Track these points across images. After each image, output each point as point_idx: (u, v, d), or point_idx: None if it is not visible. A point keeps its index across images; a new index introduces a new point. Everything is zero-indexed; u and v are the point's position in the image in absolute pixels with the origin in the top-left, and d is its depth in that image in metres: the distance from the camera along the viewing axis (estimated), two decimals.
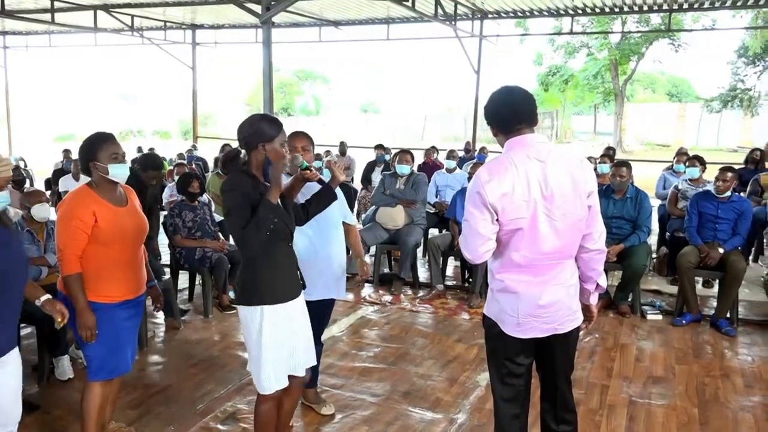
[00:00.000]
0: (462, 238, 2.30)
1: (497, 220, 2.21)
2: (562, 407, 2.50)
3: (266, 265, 2.57)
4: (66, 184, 8.49)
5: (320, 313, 3.34)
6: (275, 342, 2.58)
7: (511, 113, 2.26)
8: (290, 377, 2.69)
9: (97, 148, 2.71)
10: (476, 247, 2.24)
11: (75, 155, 11.63)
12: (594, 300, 2.49)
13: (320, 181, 2.92)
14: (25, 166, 13.52)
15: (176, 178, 6.82)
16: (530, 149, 2.22)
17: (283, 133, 2.61)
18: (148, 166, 4.79)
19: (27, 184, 10.30)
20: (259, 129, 2.55)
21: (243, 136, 2.57)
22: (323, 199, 2.90)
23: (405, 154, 6.17)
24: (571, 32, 16.45)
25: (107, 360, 2.79)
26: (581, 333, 2.57)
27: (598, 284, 2.44)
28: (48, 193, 9.96)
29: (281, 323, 2.60)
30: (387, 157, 9.62)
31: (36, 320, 3.81)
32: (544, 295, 2.28)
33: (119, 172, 2.73)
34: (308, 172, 2.76)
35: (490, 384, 2.53)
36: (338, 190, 3.11)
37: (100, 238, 2.68)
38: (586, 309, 2.48)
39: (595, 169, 6.94)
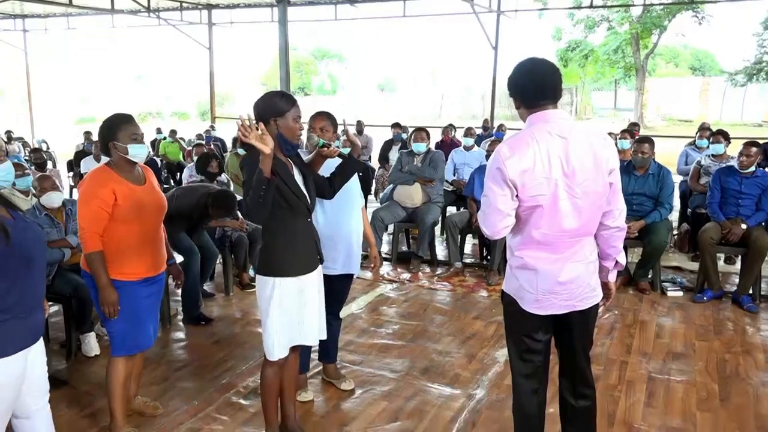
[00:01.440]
0: (481, 214, 2.30)
1: (517, 196, 2.20)
2: (581, 383, 2.50)
3: (280, 239, 2.63)
4: (88, 165, 8.58)
5: (340, 287, 3.40)
6: (282, 313, 2.65)
7: (536, 87, 2.24)
8: (291, 348, 2.77)
9: (117, 128, 2.76)
10: (495, 222, 2.24)
11: (96, 137, 11.77)
12: (613, 277, 2.48)
13: (341, 156, 2.92)
14: (48, 148, 13.73)
15: (195, 158, 6.87)
16: (552, 125, 2.20)
17: (296, 108, 2.62)
18: (220, 204, 4.59)
19: (50, 166, 10.47)
20: (272, 104, 2.58)
21: (257, 112, 2.59)
22: (347, 169, 2.92)
23: (420, 132, 6.14)
24: (591, 6, 16.16)
25: (129, 336, 2.86)
26: (600, 310, 2.57)
27: (617, 261, 2.43)
28: (71, 174, 10.12)
29: (291, 296, 2.66)
30: (404, 136, 9.58)
31: (63, 298, 3.90)
32: (563, 272, 2.27)
33: (138, 152, 2.79)
34: (326, 149, 2.78)
35: (509, 360, 2.54)
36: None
37: (120, 217, 2.74)
38: (604, 286, 2.47)
39: (616, 145, 6.85)
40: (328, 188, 2.88)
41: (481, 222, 2.31)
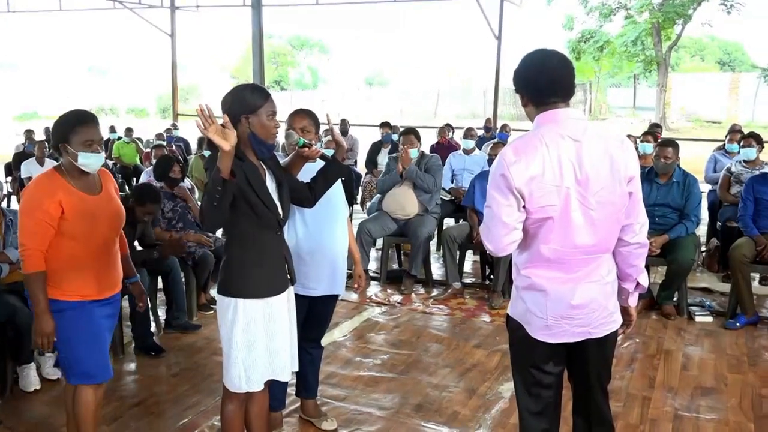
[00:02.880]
0: (484, 227, 2.30)
1: (524, 207, 2.20)
2: (598, 422, 2.50)
3: (246, 254, 2.61)
4: (29, 168, 8.52)
5: (324, 311, 3.40)
6: (248, 341, 2.62)
7: (545, 82, 2.24)
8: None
9: (71, 130, 2.71)
10: (500, 237, 2.23)
11: (39, 136, 11.71)
12: (633, 301, 2.48)
13: (323, 158, 2.92)
14: None
15: (154, 161, 6.84)
16: (564, 127, 2.21)
17: (271, 103, 2.60)
18: (146, 199, 4.63)
19: None
20: (242, 99, 2.56)
21: (225, 109, 2.56)
22: (330, 174, 2.89)
23: (408, 135, 6.02)
24: None
25: (92, 362, 2.83)
26: (619, 338, 2.57)
27: (638, 283, 2.42)
28: (9, 179, 10.03)
29: (257, 322, 2.62)
30: (394, 137, 9.61)
31: None
32: (576, 295, 2.27)
33: (90, 162, 2.73)
34: (307, 150, 2.77)
35: (515, 395, 2.53)
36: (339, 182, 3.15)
37: (68, 231, 2.70)
38: (624, 311, 2.47)
39: (636, 149, 6.91)
40: (308, 195, 2.86)
41: (483, 236, 2.31)
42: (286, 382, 3.31)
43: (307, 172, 2.94)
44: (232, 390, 2.69)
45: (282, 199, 2.70)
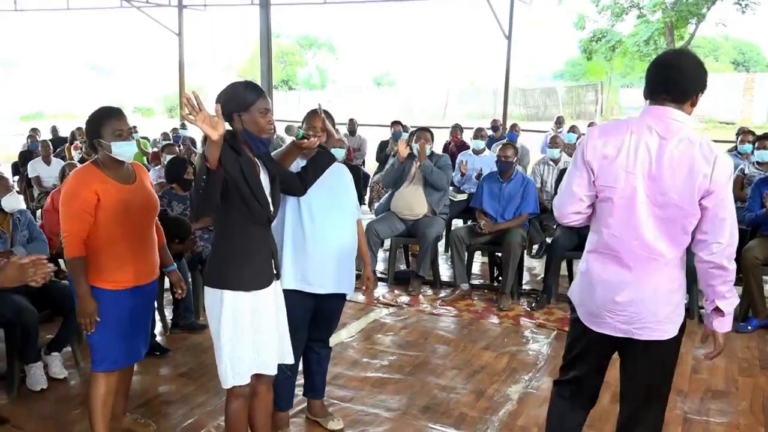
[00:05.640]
0: (557, 195, 2.51)
1: (594, 182, 2.35)
2: (639, 423, 2.58)
3: (234, 246, 2.68)
4: (36, 168, 8.58)
5: (331, 310, 3.43)
6: (234, 334, 2.67)
7: (659, 79, 2.35)
8: (257, 376, 2.79)
9: (101, 124, 2.91)
10: (565, 204, 2.43)
11: (44, 135, 11.79)
12: (719, 327, 2.42)
13: (321, 148, 3.02)
14: None
15: (166, 158, 6.85)
16: (658, 122, 2.31)
17: (263, 100, 2.67)
18: (174, 235, 4.57)
19: None
20: (234, 97, 2.64)
21: (219, 106, 2.59)
22: (320, 162, 3.00)
23: (424, 132, 6.17)
24: None
25: (110, 350, 3.00)
26: (703, 355, 2.71)
27: (717, 307, 2.37)
28: (16, 178, 10.11)
29: (243, 314, 2.68)
30: (405, 136, 9.63)
31: (5, 322, 3.89)
32: (625, 292, 2.36)
33: (123, 150, 2.93)
34: (306, 141, 2.89)
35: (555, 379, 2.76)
36: (349, 178, 3.29)
37: (105, 219, 2.88)
38: (711, 334, 2.46)
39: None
40: (299, 184, 2.97)
41: (554, 203, 2.52)
42: (294, 381, 3.36)
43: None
44: (223, 386, 2.75)
45: (274, 196, 2.78)
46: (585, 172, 2.35)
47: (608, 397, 3.63)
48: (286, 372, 3.06)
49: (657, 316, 2.37)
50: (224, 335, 2.67)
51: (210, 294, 2.71)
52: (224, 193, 2.54)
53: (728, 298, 2.37)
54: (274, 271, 2.82)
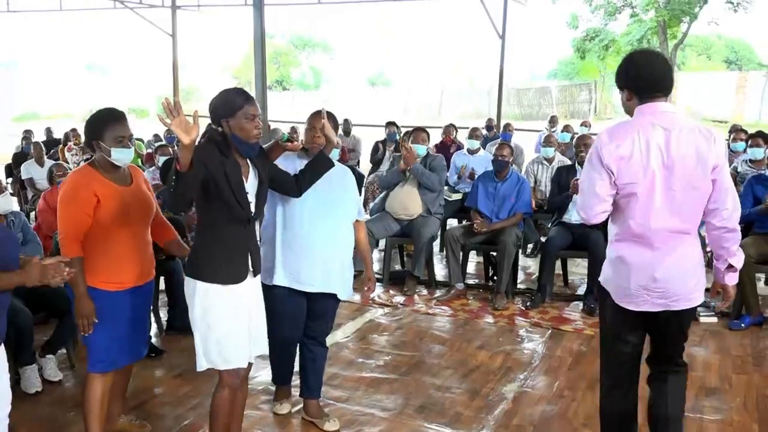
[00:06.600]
0: (579, 198, 2.71)
1: (614, 182, 2.56)
2: (672, 371, 2.87)
3: (211, 240, 2.78)
4: (29, 170, 8.54)
5: (322, 308, 3.46)
6: (207, 323, 2.76)
7: (652, 79, 2.59)
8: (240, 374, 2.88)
9: (104, 127, 2.93)
10: (592, 206, 2.62)
11: (37, 136, 11.74)
12: (730, 280, 2.75)
13: (305, 150, 3.13)
14: None
15: (160, 160, 6.83)
16: (658, 117, 2.55)
17: (250, 106, 2.73)
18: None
19: None
20: (223, 103, 2.73)
21: (210, 113, 2.75)
22: (317, 166, 3.10)
23: (420, 132, 6.17)
24: None
25: (107, 351, 3.01)
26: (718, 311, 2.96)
27: (730, 264, 2.69)
28: (10, 180, 10.07)
29: (216, 306, 2.76)
30: (398, 137, 9.62)
31: None
32: (660, 269, 2.60)
33: (122, 156, 2.96)
34: (289, 144, 3.02)
35: (600, 372, 2.90)
36: (351, 180, 3.40)
37: (103, 220, 2.90)
38: (723, 288, 2.78)
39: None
40: (294, 186, 3.07)
41: (578, 206, 2.73)
42: (293, 360, 3.59)
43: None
44: (198, 369, 2.83)
45: (258, 197, 2.86)
46: (605, 175, 2.56)
47: None
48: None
49: (688, 286, 2.65)
50: (198, 323, 2.78)
51: (187, 282, 2.82)
52: (207, 190, 2.66)
53: (738, 255, 2.71)
54: (250, 269, 2.87)
